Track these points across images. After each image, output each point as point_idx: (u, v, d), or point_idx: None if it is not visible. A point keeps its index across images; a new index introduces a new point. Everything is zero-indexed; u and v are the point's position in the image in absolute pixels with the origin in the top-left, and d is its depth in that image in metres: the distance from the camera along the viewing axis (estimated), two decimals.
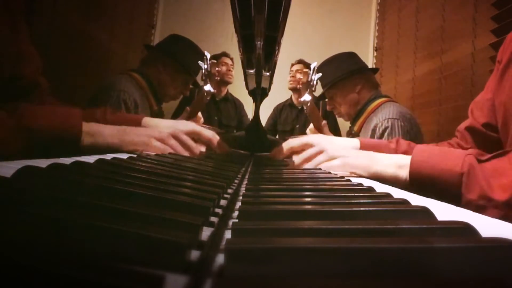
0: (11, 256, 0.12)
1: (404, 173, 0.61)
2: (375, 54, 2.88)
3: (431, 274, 0.16)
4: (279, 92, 2.54)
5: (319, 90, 1.69)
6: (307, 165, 0.72)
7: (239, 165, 0.67)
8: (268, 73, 0.99)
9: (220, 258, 0.17)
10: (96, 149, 0.62)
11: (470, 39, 1.57)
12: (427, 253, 0.16)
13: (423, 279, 0.16)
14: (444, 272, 0.16)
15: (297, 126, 2.52)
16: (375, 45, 2.89)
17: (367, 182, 0.50)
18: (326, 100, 1.72)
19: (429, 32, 1.99)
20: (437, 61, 1.86)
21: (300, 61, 2.51)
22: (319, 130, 1.58)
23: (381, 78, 2.63)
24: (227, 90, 2.58)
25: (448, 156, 0.57)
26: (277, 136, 2.50)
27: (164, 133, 0.72)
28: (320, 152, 0.71)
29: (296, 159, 0.76)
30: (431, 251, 0.16)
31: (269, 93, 1.45)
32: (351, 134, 1.67)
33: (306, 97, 1.58)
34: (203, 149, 0.82)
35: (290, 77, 2.53)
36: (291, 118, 2.58)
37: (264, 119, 2.62)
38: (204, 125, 1.75)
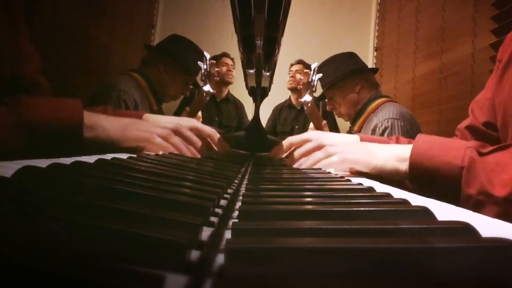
0: (11, 256, 0.12)
1: (404, 166, 0.60)
2: (375, 54, 2.88)
3: (431, 274, 0.16)
4: (279, 92, 2.53)
5: (319, 91, 1.69)
6: (305, 164, 0.71)
7: (239, 165, 0.67)
8: (268, 73, 0.99)
9: (220, 258, 0.17)
10: (98, 142, 0.61)
11: (470, 39, 1.57)
12: (427, 253, 0.16)
13: (423, 279, 0.16)
14: (444, 272, 0.16)
15: (297, 126, 2.52)
16: (375, 45, 2.89)
17: (367, 182, 0.50)
18: (326, 100, 1.72)
19: (429, 32, 1.99)
20: (437, 61, 1.86)
21: (299, 62, 2.50)
22: (319, 130, 1.59)
23: (381, 78, 2.63)
24: (228, 91, 2.57)
25: (448, 148, 0.56)
26: (277, 137, 2.50)
27: (167, 130, 0.70)
28: (319, 147, 0.71)
29: (295, 153, 0.75)
30: (431, 251, 0.16)
31: (269, 93, 1.45)
32: (351, 134, 1.67)
33: (307, 97, 1.58)
34: (200, 143, 0.81)
35: (290, 77, 2.51)
36: (290, 119, 2.58)
37: (264, 119, 2.62)
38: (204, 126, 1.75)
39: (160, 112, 1.67)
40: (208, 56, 1.55)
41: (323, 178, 0.53)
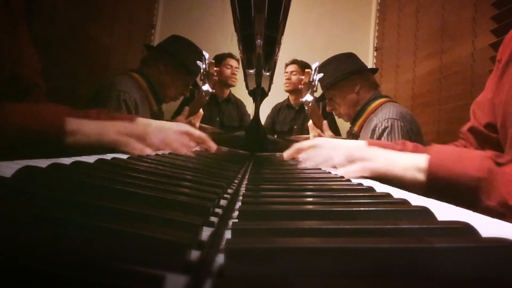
0: (11, 256, 0.12)
1: (422, 176, 0.59)
2: (375, 54, 2.88)
3: (431, 274, 0.16)
4: (279, 92, 2.53)
5: (319, 91, 1.69)
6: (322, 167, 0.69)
7: (239, 165, 0.67)
8: (268, 73, 0.99)
9: (220, 258, 0.17)
10: (78, 147, 0.61)
11: (470, 39, 1.57)
12: (427, 253, 0.16)
13: (423, 279, 0.16)
14: (444, 272, 0.16)
15: (295, 126, 2.51)
16: (375, 45, 2.88)
17: (367, 182, 0.50)
18: (326, 101, 1.72)
19: (429, 32, 1.99)
20: (437, 61, 1.86)
21: (294, 61, 2.47)
22: (320, 129, 1.59)
23: (381, 78, 2.63)
24: (230, 91, 2.55)
25: (465, 159, 0.56)
26: (275, 136, 2.49)
27: (148, 133, 0.70)
28: (328, 160, 0.69)
29: (303, 157, 0.74)
30: (431, 251, 0.16)
31: (269, 93, 1.45)
32: (351, 134, 1.67)
33: (308, 97, 1.58)
34: (196, 147, 0.81)
35: (286, 79, 2.48)
36: (289, 119, 2.57)
37: (263, 119, 2.61)
38: (205, 126, 1.75)
39: (160, 112, 1.67)
40: (207, 55, 1.55)
41: (323, 178, 0.53)
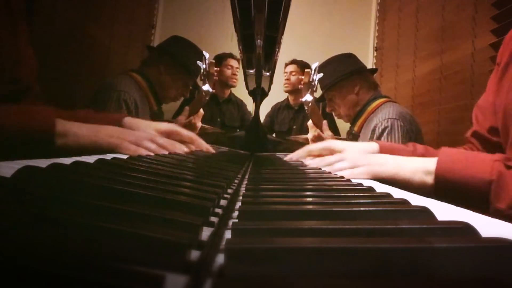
0: (11, 256, 0.12)
1: (430, 180, 0.59)
2: (375, 54, 2.88)
3: (431, 274, 0.16)
4: (279, 92, 2.53)
5: (318, 91, 1.69)
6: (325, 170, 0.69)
7: (239, 165, 0.67)
8: (268, 73, 0.99)
9: (220, 258, 0.17)
10: (69, 149, 0.61)
11: (470, 39, 1.57)
12: (427, 253, 0.16)
13: (423, 279, 0.16)
14: (444, 272, 0.16)
15: (294, 127, 2.51)
16: (375, 45, 2.88)
17: (367, 182, 0.50)
18: (326, 101, 1.72)
19: (429, 32, 1.99)
20: (437, 61, 1.86)
21: (293, 62, 2.46)
22: (320, 129, 1.59)
23: (381, 78, 2.63)
24: (230, 91, 2.54)
25: (475, 162, 0.56)
26: (274, 136, 2.49)
27: (140, 137, 0.70)
28: (340, 160, 0.69)
29: (313, 164, 0.74)
30: (431, 251, 0.16)
31: (269, 93, 1.45)
32: (351, 134, 1.67)
33: (308, 97, 1.58)
34: (185, 148, 0.81)
35: (285, 79, 2.47)
36: (288, 119, 2.57)
37: (263, 118, 2.61)
38: (205, 126, 1.75)
39: (160, 112, 1.67)
40: (207, 55, 1.55)
41: (323, 178, 0.53)
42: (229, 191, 0.38)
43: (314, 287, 0.14)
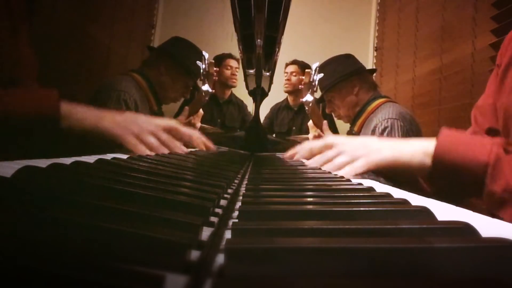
0: (11, 256, 0.12)
1: (429, 161, 0.58)
2: (375, 54, 2.88)
3: (431, 274, 0.16)
4: (279, 92, 2.53)
5: (318, 92, 1.69)
6: (326, 167, 0.68)
7: (239, 165, 0.67)
8: (268, 73, 0.99)
9: (220, 258, 0.17)
10: (74, 131, 0.60)
11: (470, 39, 1.57)
12: (427, 253, 0.16)
13: (423, 279, 0.16)
14: (444, 272, 0.16)
15: (294, 128, 2.50)
16: (375, 45, 2.89)
17: (367, 182, 0.50)
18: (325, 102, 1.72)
19: (429, 32, 1.99)
20: (437, 61, 1.86)
21: (294, 62, 2.45)
22: (320, 130, 1.59)
23: (381, 78, 2.63)
24: (231, 92, 2.53)
25: (473, 144, 0.55)
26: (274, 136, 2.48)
27: (144, 129, 0.69)
28: (339, 154, 0.68)
29: (314, 163, 0.73)
30: (431, 251, 0.16)
31: (269, 93, 1.45)
32: (351, 134, 1.67)
33: (308, 97, 1.58)
34: (183, 148, 0.80)
35: (286, 80, 2.46)
36: (288, 120, 2.57)
37: (263, 118, 2.60)
38: (205, 126, 1.75)
39: (160, 112, 1.67)
40: (206, 55, 1.55)
41: (323, 178, 0.53)
42: (229, 191, 0.38)
43: (314, 287, 0.14)
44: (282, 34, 0.77)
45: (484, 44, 1.47)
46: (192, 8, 2.88)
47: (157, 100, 1.60)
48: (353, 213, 0.26)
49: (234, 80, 2.42)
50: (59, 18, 1.56)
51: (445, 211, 0.30)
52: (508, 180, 0.50)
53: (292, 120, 2.54)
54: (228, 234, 0.22)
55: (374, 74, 2.21)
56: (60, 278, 0.11)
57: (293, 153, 0.87)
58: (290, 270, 0.15)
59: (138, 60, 1.84)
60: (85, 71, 1.82)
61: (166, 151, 0.71)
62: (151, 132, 0.70)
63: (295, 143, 1.76)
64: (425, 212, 0.27)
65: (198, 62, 1.53)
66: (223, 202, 0.31)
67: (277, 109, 2.65)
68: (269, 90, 1.41)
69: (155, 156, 0.59)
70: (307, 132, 1.68)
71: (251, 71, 1.00)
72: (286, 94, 2.58)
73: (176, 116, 2.05)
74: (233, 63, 2.39)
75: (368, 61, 2.86)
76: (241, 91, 2.40)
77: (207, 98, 1.63)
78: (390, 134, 1.40)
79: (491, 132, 0.78)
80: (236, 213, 0.28)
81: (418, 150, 0.60)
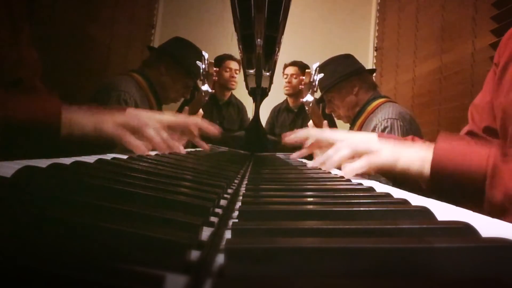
0: (11, 256, 0.12)
1: (428, 168, 0.58)
2: (375, 54, 2.88)
3: (431, 274, 0.16)
4: (279, 92, 2.52)
5: (318, 92, 1.69)
6: (329, 162, 0.67)
7: (239, 165, 0.67)
8: (268, 73, 0.99)
9: (220, 258, 0.17)
10: (73, 137, 0.60)
11: (470, 39, 1.57)
12: (427, 253, 0.16)
13: (423, 279, 0.16)
14: (444, 272, 0.16)
15: (295, 129, 2.49)
16: (375, 45, 2.89)
17: (367, 182, 0.50)
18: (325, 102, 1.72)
19: (429, 32, 1.99)
20: (437, 61, 1.86)
21: (293, 64, 2.42)
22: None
23: (381, 78, 2.63)
24: (231, 94, 2.51)
25: (471, 152, 0.55)
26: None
27: (144, 123, 0.69)
28: (339, 150, 0.67)
29: (315, 163, 0.72)
30: (431, 251, 0.16)
31: (269, 93, 1.45)
32: None
33: (308, 97, 1.58)
34: (182, 148, 0.79)
35: (286, 82, 2.43)
36: (288, 121, 2.56)
37: (263, 119, 2.60)
38: None
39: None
40: (206, 55, 1.55)
41: (323, 178, 0.53)
42: (229, 191, 0.38)
43: (314, 287, 0.14)
44: (282, 34, 0.77)
45: (484, 44, 1.47)
46: (192, 8, 2.88)
47: (157, 100, 1.60)
48: (353, 213, 0.26)
49: (233, 83, 2.38)
50: (59, 18, 1.56)
51: (445, 211, 0.30)
52: (507, 187, 0.50)
53: (293, 122, 2.53)
54: (228, 234, 0.22)
55: (374, 74, 2.21)
56: (60, 278, 0.11)
57: (292, 136, 0.85)
58: (290, 270, 0.15)
59: (138, 60, 1.84)
60: (85, 71, 1.82)
61: (165, 149, 0.71)
62: (153, 128, 0.70)
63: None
64: (425, 212, 0.27)
65: (198, 62, 1.53)
66: (223, 202, 0.31)
67: (277, 112, 2.64)
68: (269, 90, 1.41)
69: (155, 156, 0.59)
70: None
71: (251, 71, 1.00)
72: (286, 95, 2.58)
73: None
74: (232, 65, 2.34)
75: (368, 61, 2.86)
76: (241, 92, 2.39)
77: (207, 98, 1.63)
78: (390, 134, 1.41)
79: (488, 131, 0.78)
80: (236, 213, 0.28)
81: (417, 156, 0.60)
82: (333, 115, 1.74)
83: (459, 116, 1.58)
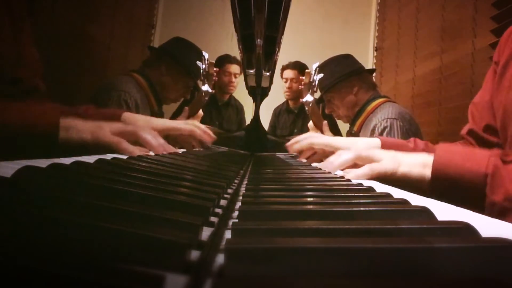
0: (11, 256, 0.12)
1: (429, 173, 0.59)
2: (375, 54, 2.88)
3: (431, 274, 0.16)
4: (279, 92, 2.52)
5: (318, 92, 1.69)
6: (331, 167, 0.68)
7: (239, 165, 0.67)
8: (268, 73, 0.99)
9: (220, 258, 0.17)
10: (71, 144, 0.61)
11: (470, 39, 1.57)
12: (427, 253, 0.16)
13: (423, 279, 0.16)
14: (444, 272, 0.16)
15: (295, 130, 2.50)
16: (375, 45, 2.88)
17: (367, 182, 0.50)
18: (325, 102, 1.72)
19: (429, 32, 1.99)
20: (437, 61, 1.86)
21: (292, 66, 2.37)
22: (320, 130, 1.59)
23: (381, 78, 2.63)
24: (230, 95, 2.50)
25: (472, 156, 0.56)
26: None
27: (140, 128, 0.70)
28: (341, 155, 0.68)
29: (323, 167, 0.73)
30: (431, 251, 0.16)
31: (269, 93, 1.45)
32: (350, 134, 1.67)
33: (308, 97, 1.58)
34: (173, 149, 0.79)
35: (287, 88, 2.40)
36: (289, 123, 2.56)
37: (263, 119, 2.60)
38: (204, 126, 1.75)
39: (160, 112, 1.67)
40: (207, 56, 1.55)
41: (323, 178, 0.53)
42: (229, 191, 0.38)
43: (314, 287, 0.14)
44: (282, 34, 0.77)
45: (484, 44, 1.47)
46: (192, 8, 2.88)
47: (158, 100, 1.60)
48: (353, 213, 0.26)
49: (231, 88, 2.34)
50: (59, 18, 1.56)
51: (445, 211, 0.30)
52: (508, 189, 0.50)
53: (293, 123, 2.54)
54: (228, 234, 0.22)
55: (374, 74, 2.21)
56: (60, 278, 0.11)
57: (293, 145, 0.86)
58: (290, 270, 0.15)
59: (138, 60, 1.84)
60: (85, 71, 1.82)
61: (163, 151, 0.71)
62: (149, 132, 0.71)
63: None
64: (425, 212, 0.27)
65: (198, 62, 1.53)
66: (223, 202, 0.31)
67: (278, 113, 2.65)
68: (269, 90, 1.41)
69: (155, 156, 0.59)
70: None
71: (251, 71, 1.00)
72: (287, 99, 2.57)
73: (174, 116, 2.05)
74: (232, 68, 2.27)
75: (368, 61, 2.86)
76: (241, 93, 2.38)
77: (207, 99, 1.63)
78: (389, 134, 1.41)
79: (489, 129, 0.78)
80: (236, 213, 0.28)
81: (417, 162, 0.61)
82: (333, 115, 1.74)
83: (459, 116, 1.58)
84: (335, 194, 0.37)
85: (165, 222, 0.20)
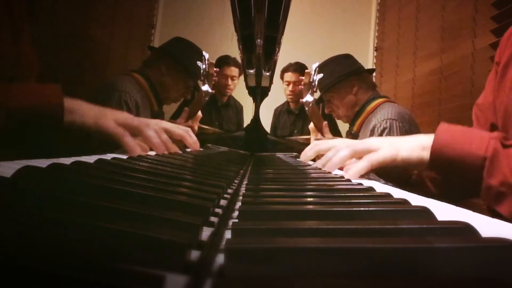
0: (11, 256, 0.12)
1: (428, 155, 0.59)
2: (375, 54, 2.88)
3: (431, 274, 0.16)
4: (279, 92, 2.52)
5: (318, 92, 1.69)
6: (329, 164, 0.67)
7: (239, 165, 0.67)
8: (268, 73, 0.99)
9: (220, 258, 0.17)
10: (75, 126, 0.60)
11: (470, 39, 1.57)
12: (427, 253, 0.16)
13: (423, 279, 0.16)
14: (444, 272, 0.16)
15: (295, 131, 2.50)
16: (375, 45, 2.89)
17: (367, 182, 0.50)
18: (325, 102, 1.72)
19: (429, 32, 1.99)
20: (437, 61, 1.86)
21: (292, 69, 2.34)
22: (320, 131, 1.59)
23: (381, 78, 2.63)
24: (230, 95, 2.51)
25: (471, 138, 0.56)
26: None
27: (146, 126, 0.69)
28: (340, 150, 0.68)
29: (320, 164, 0.73)
30: (431, 251, 0.16)
31: (269, 93, 1.45)
32: (350, 134, 1.67)
33: (308, 97, 1.58)
34: (175, 148, 0.79)
35: (290, 91, 2.38)
36: (289, 123, 2.57)
37: (263, 119, 2.60)
38: (205, 127, 1.75)
39: (160, 112, 1.67)
40: (207, 56, 1.55)
41: (323, 178, 0.53)
42: (229, 191, 0.38)
43: (314, 287, 0.14)
44: (282, 34, 0.77)
45: (484, 44, 1.47)
46: (192, 8, 2.88)
47: (158, 100, 1.60)
48: (353, 213, 0.26)
49: (227, 91, 2.32)
50: (59, 18, 1.56)
51: (445, 211, 0.30)
52: (505, 174, 0.50)
53: (293, 124, 2.54)
54: (228, 234, 0.22)
55: (374, 74, 2.21)
56: (60, 278, 0.11)
57: (306, 158, 0.86)
58: (290, 270, 0.15)
59: (138, 60, 1.84)
60: (85, 71, 1.82)
61: (164, 151, 0.71)
62: (153, 129, 0.71)
63: (295, 143, 1.77)
64: (425, 212, 0.27)
65: (198, 62, 1.53)
66: (223, 202, 0.31)
67: (278, 113, 2.65)
68: (269, 90, 1.41)
69: (155, 156, 0.59)
70: (309, 133, 1.68)
71: (251, 71, 1.00)
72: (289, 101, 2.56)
73: (174, 117, 2.05)
74: (230, 71, 2.24)
75: (368, 61, 2.86)
76: (241, 93, 2.38)
77: (207, 99, 1.63)
78: (389, 135, 1.41)
79: (495, 129, 0.78)
80: (236, 213, 0.28)
81: (416, 145, 0.61)
82: (333, 115, 1.74)
83: (459, 116, 1.58)
84: (335, 194, 0.37)
85: (165, 222, 0.20)
